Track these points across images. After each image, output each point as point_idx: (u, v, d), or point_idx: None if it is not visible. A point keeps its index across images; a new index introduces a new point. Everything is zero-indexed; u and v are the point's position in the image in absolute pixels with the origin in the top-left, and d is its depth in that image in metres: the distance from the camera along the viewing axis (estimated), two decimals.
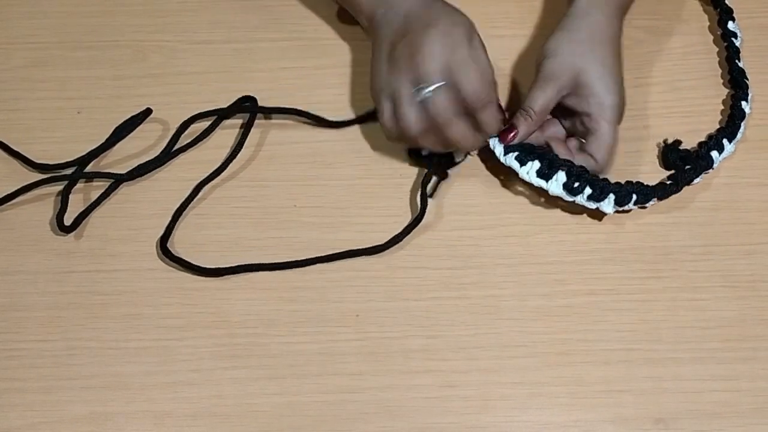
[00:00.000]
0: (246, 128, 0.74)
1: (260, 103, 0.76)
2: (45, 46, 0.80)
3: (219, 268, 0.68)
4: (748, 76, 0.75)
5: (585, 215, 0.70)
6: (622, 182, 0.68)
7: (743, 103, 0.73)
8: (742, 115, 0.73)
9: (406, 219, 0.70)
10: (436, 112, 0.66)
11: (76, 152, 0.74)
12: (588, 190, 0.67)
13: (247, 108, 0.75)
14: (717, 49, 0.78)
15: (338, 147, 0.74)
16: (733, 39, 0.77)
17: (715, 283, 0.68)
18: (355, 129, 0.75)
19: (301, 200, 0.72)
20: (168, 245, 0.69)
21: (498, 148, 0.69)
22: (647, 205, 0.69)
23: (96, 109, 0.77)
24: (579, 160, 0.68)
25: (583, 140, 0.69)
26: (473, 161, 0.73)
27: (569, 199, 0.68)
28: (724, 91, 0.76)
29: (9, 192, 0.72)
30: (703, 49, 0.78)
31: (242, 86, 0.77)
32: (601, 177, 0.69)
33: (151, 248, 0.70)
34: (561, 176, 0.67)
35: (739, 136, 0.72)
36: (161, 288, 0.68)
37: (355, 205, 0.72)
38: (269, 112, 0.75)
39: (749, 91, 0.74)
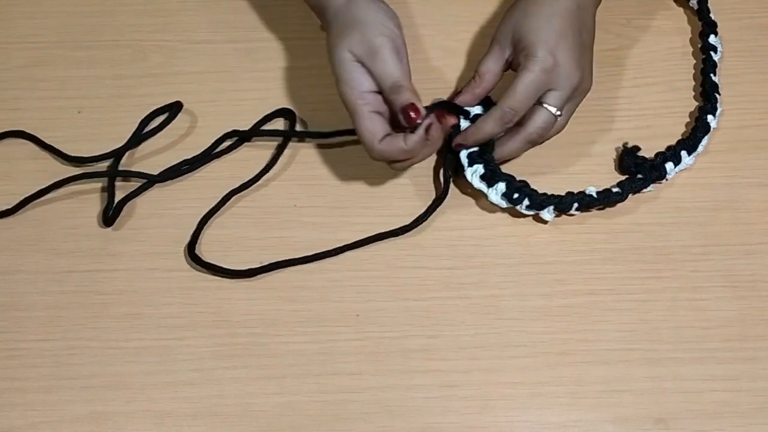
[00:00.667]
0: (279, 149, 0.74)
1: (260, 103, 0.76)
2: (45, 45, 0.80)
3: (251, 269, 0.68)
4: (720, 91, 0.74)
5: (584, 215, 0.70)
6: (563, 194, 0.69)
7: (710, 116, 0.72)
8: (706, 128, 0.72)
9: (407, 218, 0.70)
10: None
11: (77, 152, 0.74)
12: (527, 202, 0.68)
13: (284, 132, 0.74)
14: (694, 61, 0.77)
15: (338, 147, 0.74)
16: (711, 53, 0.75)
17: (715, 283, 0.68)
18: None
19: (301, 200, 0.72)
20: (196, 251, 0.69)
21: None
22: (592, 209, 0.70)
23: (96, 109, 0.77)
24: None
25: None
26: None
27: (507, 206, 0.69)
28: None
29: (37, 190, 0.72)
30: (682, 58, 0.77)
31: (242, 86, 0.77)
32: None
33: (151, 248, 0.70)
34: (501, 186, 0.68)
35: (700, 149, 0.71)
36: (161, 288, 0.68)
37: (355, 205, 0.72)
38: (306, 136, 0.75)
39: (718, 106, 0.73)
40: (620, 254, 0.69)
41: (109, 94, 0.77)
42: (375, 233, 0.69)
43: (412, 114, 0.65)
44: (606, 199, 0.69)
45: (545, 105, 0.68)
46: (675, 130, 0.73)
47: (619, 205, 0.70)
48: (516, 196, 0.68)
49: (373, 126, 0.66)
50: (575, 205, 0.69)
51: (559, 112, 0.68)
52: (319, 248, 0.69)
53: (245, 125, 0.75)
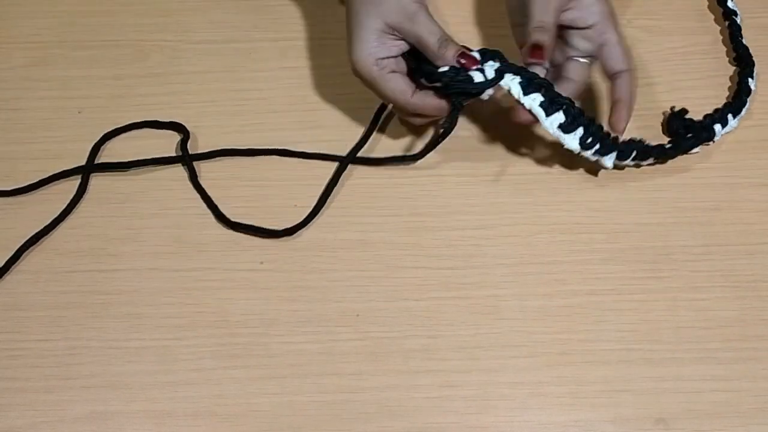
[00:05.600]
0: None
1: (260, 103, 0.76)
2: (46, 45, 0.80)
3: (289, 228, 0.70)
4: (751, 52, 0.75)
5: (585, 215, 0.70)
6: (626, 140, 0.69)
7: (749, 79, 0.74)
8: (747, 90, 0.73)
9: (407, 217, 0.70)
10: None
11: (77, 152, 0.74)
12: (598, 146, 0.68)
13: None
14: (719, 28, 0.78)
15: (339, 147, 0.74)
16: (733, 17, 0.77)
17: (716, 283, 0.68)
18: (355, 129, 0.75)
19: (301, 200, 0.72)
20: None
21: (515, 88, 0.67)
22: (643, 163, 0.70)
23: (97, 109, 0.77)
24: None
25: (592, 58, 0.69)
26: (473, 161, 0.73)
27: (578, 150, 0.68)
28: (731, 70, 0.76)
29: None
30: (702, 42, 0.78)
31: (242, 86, 0.77)
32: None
33: (151, 248, 0.70)
34: (580, 131, 0.68)
35: (743, 112, 0.73)
36: (162, 288, 0.69)
37: (355, 205, 0.72)
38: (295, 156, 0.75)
39: (755, 68, 0.74)
40: (620, 254, 0.69)
41: (110, 94, 0.77)
42: (375, 235, 0.69)
43: (464, 60, 0.67)
44: (660, 153, 0.70)
45: (574, 58, 0.69)
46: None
47: (620, 204, 0.70)
48: (589, 140, 0.68)
49: (401, 84, 0.68)
50: (634, 152, 0.69)
51: (587, 60, 0.69)
52: (319, 248, 0.69)
53: (245, 125, 0.75)
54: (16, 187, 0.73)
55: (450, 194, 0.72)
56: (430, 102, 0.68)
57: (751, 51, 0.77)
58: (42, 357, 0.66)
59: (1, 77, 0.79)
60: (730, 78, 0.76)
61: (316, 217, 0.71)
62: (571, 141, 0.68)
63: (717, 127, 0.71)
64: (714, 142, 0.72)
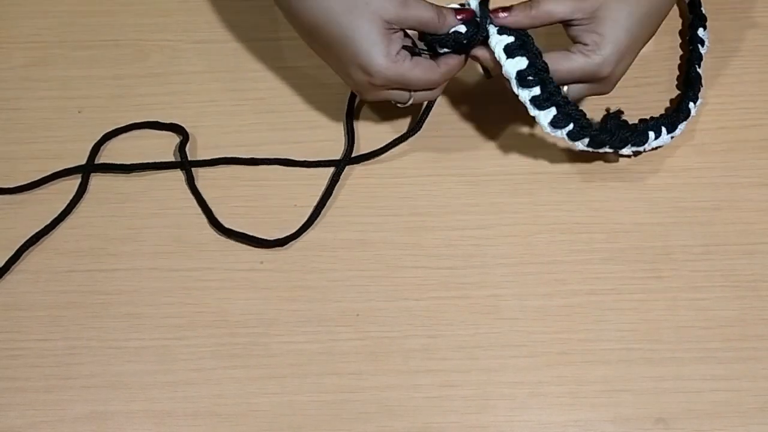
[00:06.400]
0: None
1: (260, 103, 0.76)
2: (46, 45, 0.80)
3: (281, 239, 0.69)
4: (702, 83, 0.74)
5: (585, 215, 0.70)
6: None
7: (691, 104, 0.72)
8: (687, 113, 0.72)
9: (407, 217, 0.70)
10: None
11: (78, 152, 0.74)
12: (537, 90, 0.65)
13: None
14: (681, 53, 0.78)
15: (338, 147, 0.74)
16: (699, 45, 0.76)
17: (716, 283, 0.68)
18: (355, 130, 0.75)
19: (301, 200, 0.72)
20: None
21: (497, 47, 0.66)
22: (577, 144, 0.68)
23: (97, 109, 0.77)
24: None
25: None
26: (473, 161, 0.73)
27: (515, 89, 0.66)
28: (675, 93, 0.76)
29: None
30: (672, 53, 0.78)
31: (242, 86, 0.77)
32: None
33: (151, 248, 0.70)
34: (522, 62, 0.65)
35: (677, 131, 0.71)
36: (162, 288, 0.69)
37: (355, 205, 0.72)
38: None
39: (700, 96, 0.73)
40: (620, 254, 0.69)
41: (110, 94, 0.77)
42: (375, 235, 0.70)
43: (461, 16, 0.66)
44: (595, 133, 0.67)
45: (563, 87, 0.67)
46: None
47: (620, 204, 0.71)
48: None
49: (425, 64, 0.67)
50: (571, 126, 0.66)
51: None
52: (319, 248, 0.69)
53: (245, 125, 0.75)
54: (16, 185, 0.73)
55: (450, 194, 0.72)
56: (454, 63, 0.67)
57: (745, 55, 0.76)
58: (42, 357, 0.66)
59: (1, 77, 0.79)
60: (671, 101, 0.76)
61: (317, 219, 0.71)
62: (543, 118, 0.66)
63: (651, 134, 0.70)
64: (644, 149, 0.71)
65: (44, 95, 0.78)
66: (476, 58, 0.68)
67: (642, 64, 0.77)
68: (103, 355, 0.66)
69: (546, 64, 0.65)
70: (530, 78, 0.65)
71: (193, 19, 0.81)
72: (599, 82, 0.67)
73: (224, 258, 0.70)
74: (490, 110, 0.74)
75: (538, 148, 0.73)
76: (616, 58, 0.65)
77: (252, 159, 0.73)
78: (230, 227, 0.70)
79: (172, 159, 0.74)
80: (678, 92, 0.76)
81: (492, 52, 0.66)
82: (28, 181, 0.73)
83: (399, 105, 0.69)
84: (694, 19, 0.78)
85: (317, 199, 0.71)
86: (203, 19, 0.81)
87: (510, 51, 0.66)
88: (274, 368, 0.65)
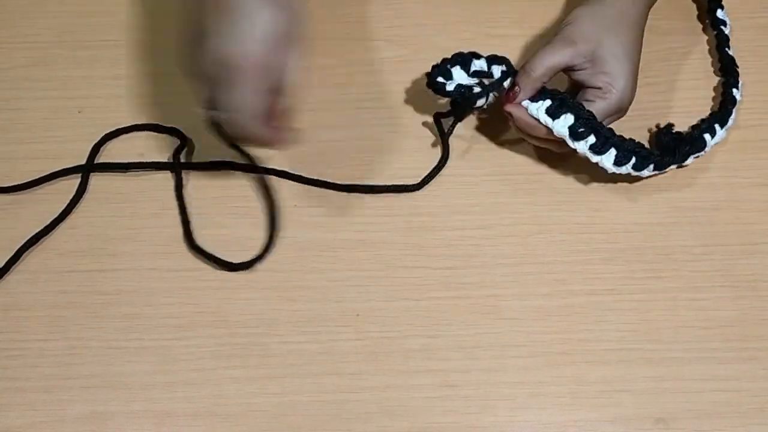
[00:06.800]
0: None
1: None
2: (46, 45, 0.80)
3: (245, 262, 0.69)
4: (737, 63, 0.75)
5: (585, 215, 0.70)
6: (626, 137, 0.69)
7: (734, 90, 0.73)
8: (733, 101, 0.73)
9: (407, 216, 0.70)
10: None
11: (77, 152, 0.74)
12: (592, 139, 0.67)
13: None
14: (707, 38, 0.78)
15: (338, 147, 0.74)
16: (722, 27, 0.77)
17: (715, 283, 0.68)
18: (354, 129, 0.75)
19: (302, 200, 0.72)
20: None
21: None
22: (643, 173, 0.69)
23: (97, 109, 0.77)
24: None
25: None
26: (473, 161, 0.73)
27: (572, 144, 0.67)
28: (716, 80, 0.76)
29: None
30: (694, 45, 0.78)
31: None
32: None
33: (151, 248, 0.70)
34: (569, 118, 0.67)
35: (730, 122, 0.72)
36: (161, 288, 0.69)
37: (355, 205, 0.72)
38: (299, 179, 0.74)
39: (740, 78, 0.74)
40: (620, 254, 0.69)
41: (110, 94, 0.77)
42: (375, 235, 0.69)
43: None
44: (658, 159, 0.68)
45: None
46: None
47: (620, 204, 0.71)
48: (581, 130, 0.67)
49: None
50: (633, 159, 0.68)
51: None
52: (319, 248, 0.69)
53: None
54: (16, 183, 0.73)
55: (450, 194, 0.72)
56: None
57: (745, 55, 0.76)
58: (42, 357, 0.66)
59: (1, 77, 0.79)
60: (714, 88, 0.76)
61: (315, 218, 0.71)
62: (561, 127, 0.67)
63: (707, 136, 0.71)
64: (705, 152, 0.71)
65: (44, 95, 0.78)
66: (514, 119, 0.69)
67: (642, 64, 0.77)
68: (103, 355, 0.66)
69: (591, 112, 0.67)
70: (582, 130, 0.67)
71: None
72: (622, 112, 0.69)
73: (224, 258, 0.69)
74: (490, 110, 0.74)
75: (538, 149, 0.73)
76: (630, 86, 0.68)
77: (248, 165, 0.73)
78: (230, 228, 0.70)
79: (171, 161, 0.74)
80: (678, 91, 0.76)
81: (527, 112, 0.68)
82: (26, 180, 0.73)
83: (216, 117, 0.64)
84: (710, 2, 0.78)
85: (318, 199, 0.71)
86: None
87: (553, 113, 0.67)
88: (274, 368, 0.65)
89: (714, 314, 0.66)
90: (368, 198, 0.72)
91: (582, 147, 0.67)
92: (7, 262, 0.69)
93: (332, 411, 0.64)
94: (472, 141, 0.74)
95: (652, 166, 0.69)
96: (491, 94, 0.70)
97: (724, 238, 0.69)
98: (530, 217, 0.71)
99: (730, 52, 0.76)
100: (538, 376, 0.65)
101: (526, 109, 0.68)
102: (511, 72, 0.70)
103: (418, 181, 0.72)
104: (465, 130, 0.75)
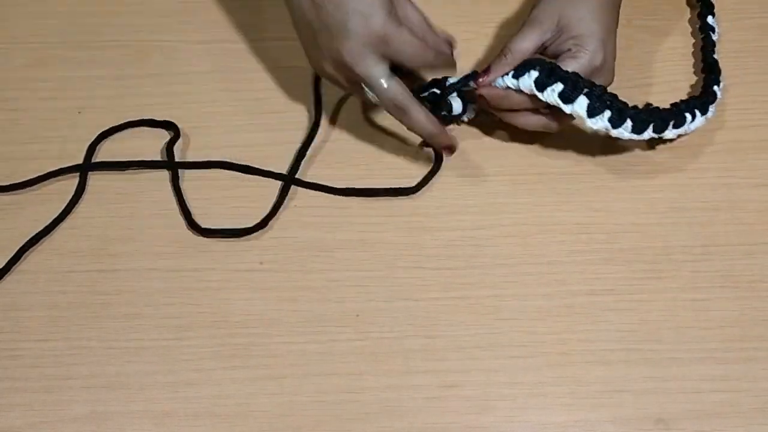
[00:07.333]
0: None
1: (260, 103, 0.76)
2: (46, 46, 0.80)
3: (258, 223, 0.70)
4: (720, 68, 0.75)
5: (585, 215, 0.70)
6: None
7: (715, 87, 0.73)
8: (713, 95, 0.73)
9: (407, 216, 0.71)
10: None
11: (78, 152, 0.74)
12: (559, 86, 0.67)
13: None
14: (693, 61, 0.78)
15: (338, 147, 0.74)
16: (710, 33, 0.77)
17: (715, 283, 0.68)
18: (354, 129, 0.75)
19: (301, 200, 0.72)
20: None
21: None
22: (621, 131, 0.68)
23: (97, 109, 0.77)
24: None
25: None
26: (473, 160, 0.73)
27: (541, 97, 0.67)
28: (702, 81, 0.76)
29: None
30: (684, 46, 0.78)
31: (241, 86, 0.77)
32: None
33: (151, 248, 0.70)
34: (582, 100, 0.67)
35: (710, 113, 0.72)
36: (161, 288, 0.69)
37: (355, 205, 0.72)
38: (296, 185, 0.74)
39: (721, 79, 0.74)
40: (620, 254, 0.69)
41: (110, 95, 0.77)
42: (375, 235, 0.70)
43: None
44: (635, 116, 0.68)
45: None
46: None
47: (619, 204, 0.71)
48: (597, 105, 0.67)
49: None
50: (608, 112, 0.67)
51: None
52: (319, 248, 0.69)
53: (244, 125, 0.75)
54: (13, 183, 0.73)
55: (450, 194, 0.72)
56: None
57: (745, 55, 0.77)
58: (42, 357, 0.66)
59: (1, 77, 0.79)
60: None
61: (315, 218, 0.71)
62: (579, 108, 0.67)
63: (687, 115, 0.70)
64: (684, 132, 0.70)
65: (44, 95, 0.78)
66: (487, 99, 0.70)
67: (641, 65, 0.77)
68: (103, 355, 0.66)
69: (558, 66, 0.67)
70: (598, 105, 0.67)
71: (193, 19, 0.81)
72: (599, 73, 0.68)
73: (224, 258, 0.70)
74: (484, 114, 0.74)
75: (538, 148, 0.73)
76: (601, 45, 0.68)
77: (246, 166, 0.73)
78: (229, 227, 0.70)
79: (167, 159, 0.74)
80: (674, 95, 0.76)
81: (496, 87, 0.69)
82: (24, 179, 0.73)
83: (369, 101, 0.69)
84: (702, 7, 0.79)
85: (317, 199, 0.71)
86: (203, 19, 0.81)
87: (565, 97, 0.67)
88: (274, 369, 0.65)
89: (714, 314, 0.66)
90: (368, 198, 0.72)
91: (552, 96, 0.67)
92: (8, 263, 0.69)
93: (332, 411, 0.64)
94: (472, 141, 0.74)
95: (629, 124, 0.68)
96: (471, 107, 0.72)
97: (723, 238, 0.69)
98: (530, 217, 0.71)
99: (715, 56, 0.76)
100: (538, 376, 0.65)
101: (509, 87, 0.68)
102: (471, 74, 0.70)
103: (414, 185, 0.71)
104: (464, 130, 0.75)
